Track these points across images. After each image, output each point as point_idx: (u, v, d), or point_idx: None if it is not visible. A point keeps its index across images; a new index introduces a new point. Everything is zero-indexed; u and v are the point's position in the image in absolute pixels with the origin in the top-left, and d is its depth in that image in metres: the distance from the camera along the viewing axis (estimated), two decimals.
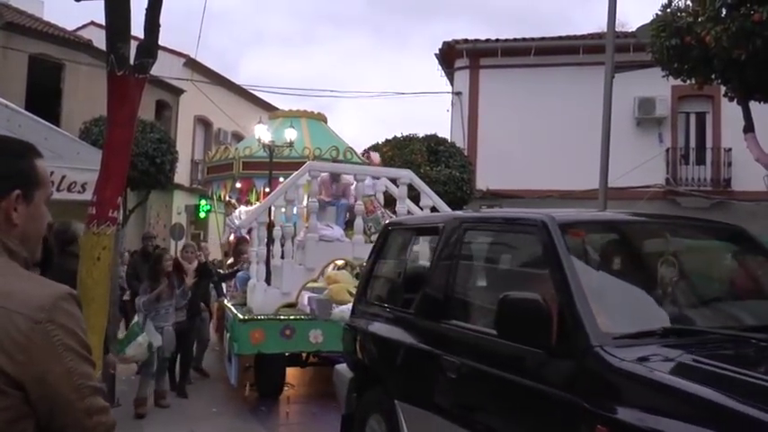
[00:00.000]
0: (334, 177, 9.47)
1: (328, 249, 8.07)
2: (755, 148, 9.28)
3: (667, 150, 18.13)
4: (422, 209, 8.59)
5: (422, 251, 5.72)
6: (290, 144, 12.10)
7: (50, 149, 6.41)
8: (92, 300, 4.81)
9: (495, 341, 3.20)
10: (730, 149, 17.15)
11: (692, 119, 18.67)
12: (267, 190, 12.62)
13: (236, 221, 11.65)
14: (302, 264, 7.94)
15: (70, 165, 6.54)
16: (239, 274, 9.51)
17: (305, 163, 11.24)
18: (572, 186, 16.00)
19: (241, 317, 7.25)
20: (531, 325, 2.92)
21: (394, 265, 5.21)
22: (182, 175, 22.46)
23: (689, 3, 9.27)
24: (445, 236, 4.19)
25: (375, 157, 10.37)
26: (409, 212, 8.55)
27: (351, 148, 12.77)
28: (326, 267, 8.15)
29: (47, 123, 6.92)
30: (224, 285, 10.23)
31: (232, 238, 12.15)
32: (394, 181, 9.22)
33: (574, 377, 2.80)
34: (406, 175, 8.69)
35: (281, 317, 7.27)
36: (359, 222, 8.21)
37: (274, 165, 11.64)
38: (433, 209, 8.39)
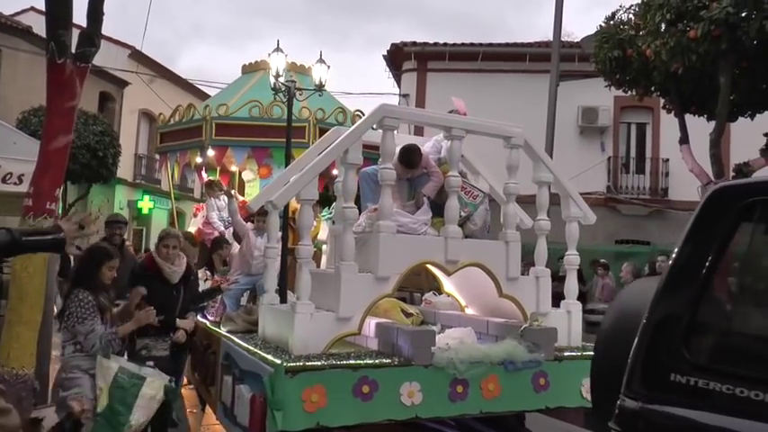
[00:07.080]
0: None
1: (410, 248, 4.80)
2: (690, 159, 9.63)
3: (609, 159, 18.64)
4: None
5: None
6: (321, 87, 8.65)
7: None
8: (26, 294, 4.70)
9: None
10: (668, 160, 17.75)
11: (633, 129, 19.25)
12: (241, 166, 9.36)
13: (215, 219, 8.59)
14: (369, 270, 4.65)
15: (6, 155, 6.36)
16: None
17: (302, 128, 8.55)
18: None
19: (285, 365, 3.99)
20: None
21: None
22: (124, 169, 22.00)
23: (631, 16, 9.60)
24: None
25: (461, 104, 6.86)
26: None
27: (360, 111, 9.29)
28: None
29: None
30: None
31: (193, 229, 8.92)
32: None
33: None
34: (520, 134, 5.67)
35: (352, 361, 4.19)
36: (453, 205, 5.01)
37: (255, 130, 8.68)
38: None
